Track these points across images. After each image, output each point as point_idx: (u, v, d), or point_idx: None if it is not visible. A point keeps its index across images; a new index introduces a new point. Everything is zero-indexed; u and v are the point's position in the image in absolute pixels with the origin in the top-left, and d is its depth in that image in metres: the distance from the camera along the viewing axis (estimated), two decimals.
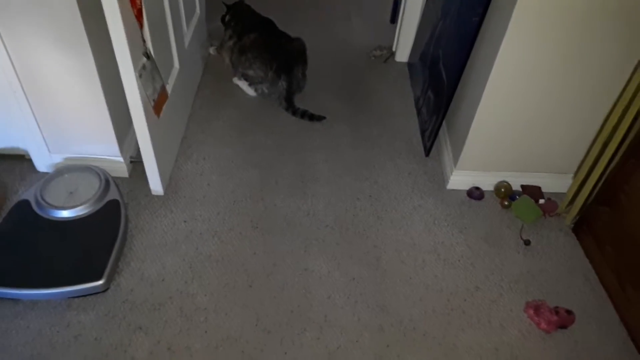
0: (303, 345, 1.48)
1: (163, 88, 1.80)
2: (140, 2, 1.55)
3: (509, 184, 1.96)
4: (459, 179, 1.98)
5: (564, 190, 1.97)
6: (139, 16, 1.54)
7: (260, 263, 1.69)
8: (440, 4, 2.21)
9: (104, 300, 1.53)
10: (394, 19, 2.82)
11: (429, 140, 2.10)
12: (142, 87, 1.58)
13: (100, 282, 1.50)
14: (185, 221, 1.79)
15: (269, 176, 2.00)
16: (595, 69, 1.64)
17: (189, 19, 2.28)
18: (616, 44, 1.58)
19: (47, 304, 1.50)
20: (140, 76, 1.56)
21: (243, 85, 2.42)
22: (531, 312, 1.57)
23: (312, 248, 1.75)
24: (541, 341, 1.53)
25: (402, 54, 2.70)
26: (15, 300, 1.50)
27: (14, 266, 1.52)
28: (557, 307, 1.58)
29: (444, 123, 2.16)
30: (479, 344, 1.52)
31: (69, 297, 1.52)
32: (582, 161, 1.91)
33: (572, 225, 1.88)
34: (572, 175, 1.97)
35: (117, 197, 1.73)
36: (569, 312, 1.57)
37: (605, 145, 1.75)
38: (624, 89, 1.67)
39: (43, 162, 1.91)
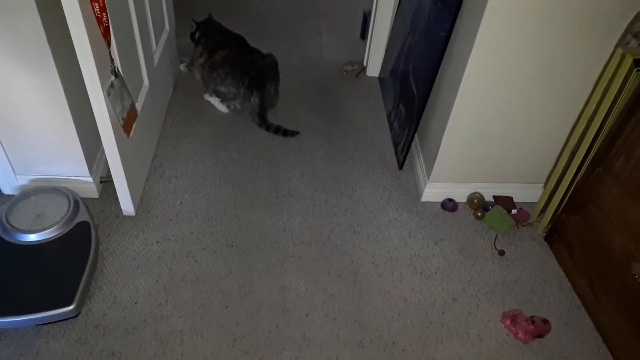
0: None
1: (132, 106, 1.77)
2: (107, 20, 1.52)
3: (481, 195, 1.98)
4: (433, 192, 2.00)
5: (535, 199, 2.01)
6: (106, 34, 1.51)
7: (236, 282, 1.66)
8: (408, 19, 2.25)
9: (75, 325, 1.48)
10: (363, 34, 2.85)
11: (402, 153, 2.12)
12: (111, 105, 1.55)
13: (71, 307, 1.44)
14: (157, 241, 1.75)
15: (243, 193, 1.98)
16: (561, 79, 1.69)
17: (158, 36, 2.26)
18: (580, 57, 1.63)
19: (14, 333, 1.44)
20: (108, 95, 1.53)
21: (215, 101, 2.41)
22: (508, 322, 1.59)
23: (288, 265, 1.73)
24: (519, 351, 1.55)
25: (373, 68, 2.73)
26: None
27: None
28: (533, 317, 1.60)
29: (416, 136, 2.18)
30: (458, 356, 1.52)
31: (37, 324, 1.46)
32: (552, 171, 1.95)
33: (545, 235, 1.92)
34: (542, 185, 2.02)
35: (87, 219, 1.69)
36: (545, 321, 1.59)
37: (572, 154, 1.79)
38: (588, 100, 1.72)
39: (8, 184, 1.85)
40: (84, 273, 1.53)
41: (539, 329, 1.56)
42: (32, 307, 1.44)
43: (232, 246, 1.77)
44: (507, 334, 1.58)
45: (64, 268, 1.55)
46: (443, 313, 1.63)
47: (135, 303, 1.56)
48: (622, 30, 1.57)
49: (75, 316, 1.49)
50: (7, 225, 1.61)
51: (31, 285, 1.49)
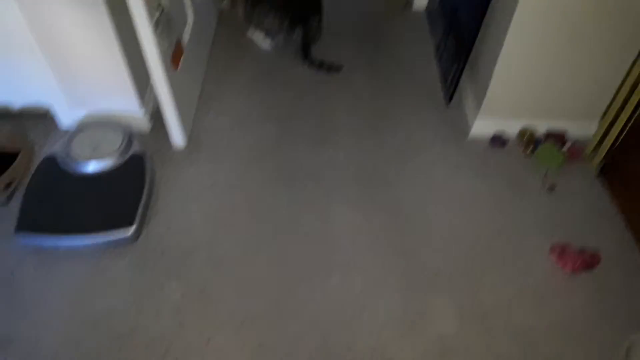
0: (328, 290, 1.51)
1: (179, 41, 1.78)
2: None
3: (533, 130, 1.93)
4: (482, 126, 1.96)
5: (588, 135, 1.94)
6: None
7: (283, 213, 1.70)
8: None
9: (135, 248, 1.57)
10: None
11: (451, 87, 2.07)
12: (158, 39, 1.56)
13: (131, 231, 1.53)
14: (207, 174, 1.81)
15: (288, 128, 2.00)
16: (625, 8, 1.58)
17: None
18: None
19: (82, 253, 1.55)
20: (155, 29, 1.55)
21: (258, 38, 2.39)
22: (556, 254, 1.58)
23: (334, 198, 1.76)
24: (566, 282, 1.55)
25: (420, 1, 2.62)
26: (52, 250, 1.55)
27: (49, 219, 1.56)
28: (582, 249, 1.58)
29: (465, 69, 2.11)
30: (504, 285, 1.54)
31: (102, 246, 1.56)
32: (609, 105, 1.87)
33: (598, 170, 1.86)
34: (598, 119, 1.94)
35: (140, 151, 1.75)
36: (594, 254, 1.57)
37: (633, 87, 1.71)
38: None
39: (65, 118, 1.92)
40: (141, 200, 1.61)
41: (588, 261, 1.55)
42: (95, 229, 1.54)
43: (279, 179, 1.81)
44: (555, 266, 1.58)
45: (122, 196, 1.63)
46: (489, 245, 1.63)
47: (189, 230, 1.63)
48: None
49: (135, 240, 1.58)
50: (67, 157, 1.69)
51: (93, 211, 1.58)
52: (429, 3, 2.60)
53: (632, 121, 1.72)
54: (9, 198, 1.68)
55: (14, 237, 1.53)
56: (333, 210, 1.72)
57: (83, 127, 1.81)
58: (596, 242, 1.64)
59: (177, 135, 1.84)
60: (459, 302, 1.49)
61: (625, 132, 1.76)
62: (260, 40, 2.39)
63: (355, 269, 1.56)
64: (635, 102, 1.69)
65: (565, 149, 1.90)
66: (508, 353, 1.39)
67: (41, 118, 1.94)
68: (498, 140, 1.94)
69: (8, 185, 1.67)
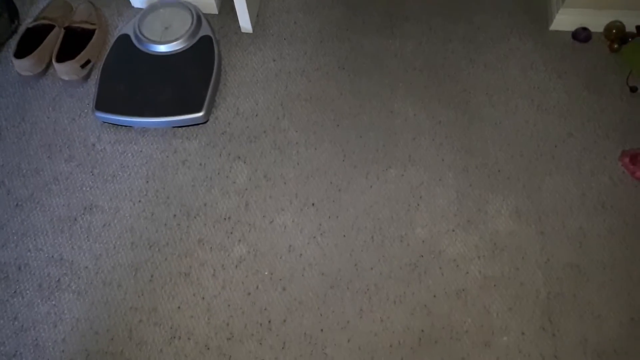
0: (387, 181, 1.55)
1: None
2: None
3: (622, 24, 1.76)
4: (565, 19, 1.81)
5: None
6: None
7: (347, 103, 1.71)
8: None
9: (205, 131, 1.65)
10: None
11: None
12: None
13: (201, 113, 1.61)
14: (274, 59, 1.81)
15: (356, 14, 1.93)
16: None
17: None
18: None
19: (155, 132, 1.65)
20: None
21: None
22: (627, 160, 1.53)
23: (399, 90, 1.74)
24: (633, 189, 1.51)
25: None
26: (128, 128, 1.66)
27: (125, 96, 1.65)
28: None
29: None
30: (565, 188, 1.52)
31: (173, 127, 1.65)
32: None
33: None
34: None
35: (210, 33, 1.76)
36: None
37: None
38: None
39: None
40: (210, 83, 1.66)
41: None
42: (167, 110, 1.62)
43: (343, 68, 1.79)
44: (623, 172, 1.54)
45: (192, 78, 1.68)
46: (556, 146, 1.60)
47: (256, 115, 1.69)
48: None
49: (205, 122, 1.66)
50: (140, 35, 1.74)
51: (165, 92, 1.65)
52: None
53: None
54: (87, 76, 1.77)
55: (93, 114, 1.64)
56: (397, 103, 1.71)
57: (154, 7, 1.83)
58: None
59: (245, 19, 1.83)
60: (517, 202, 1.50)
61: None
62: None
63: (414, 163, 1.58)
64: None
65: None
66: (561, 255, 1.42)
67: None
68: (581, 34, 1.80)
69: (86, 63, 1.75)
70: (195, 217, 1.49)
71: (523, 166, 1.57)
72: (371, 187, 1.55)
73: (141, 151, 1.61)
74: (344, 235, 1.46)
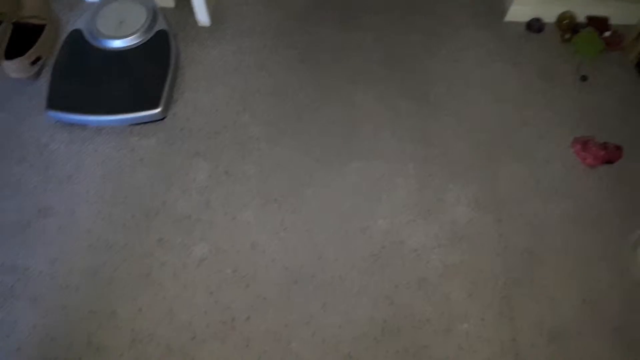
0: (349, 174, 1.56)
1: None
2: None
3: (573, 14, 1.81)
4: (519, 10, 1.84)
5: (634, 21, 1.82)
6: None
7: (308, 96, 1.71)
8: None
9: (163, 128, 1.62)
10: None
11: None
12: None
13: (158, 109, 1.57)
14: (233, 53, 1.79)
15: (317, 7, 1.92)
16: None
17: None
18: None
19: (110, 130, 1.61)
20: None
21: None
22: (578, 147, 1.58)
23: (359, 82, 1.74)
24: (584, 176, 1.56)
25: None
26: (82, 126, 1.61)
27: (78, 94, 1.60)
28: (605, 143, 1.57)
29: None
30: (521, 176, 1.56)
31: (130, 124, 1.61)
32: None
33: (636, 61, 1.77)
34: None
35: (166, 28, 1.72)
36: (617, 147, 1.56)
37: None
38: None
39: None
40: (167, 79, 1.62)
41: (610, 154, 1.55)
42: (124, 107, 1.58)
43: (304, 62, 1.78)
44: (575, 159, 1.59)
45: (148, 74, 1.64)
46: (512, 135, 1.63)
47: (216, 110, 1.66)
48: None
49: (162, 119, 1.62)
50: (94, 30, 1.68)
51: (121, 88, 1.61)
52: None
53: None
54: (38, 74, 1.71)
55: (45, 113, 1.58)
56: (358, 96, 1.71)
57: (108, 0, 1.77)
58: (622, 135, 1.63)
59: (202, 12, 1.80)
60: (476, 190, 1.54)
61: None
62: None
63: (375, 155, 1.59)
64: None
65: (605, 36, 1.80)
66: (518, 242, 1.46)
67: None
68: (535, 25, 1.84)
69: (36, 60, 1.69)
70: (154, 217, 1.46)
71: (481, 155, 1.60)
72: (333, 180, 1.55)
73: (97, 150, 1.57)
74: (307, 230, 1.46)
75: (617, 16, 1.83)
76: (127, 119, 1.59)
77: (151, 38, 1.70)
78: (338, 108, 1.68)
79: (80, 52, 1.67)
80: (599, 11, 1.83)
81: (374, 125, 1.65)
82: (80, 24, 1.73)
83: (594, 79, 1.74)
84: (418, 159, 1.59)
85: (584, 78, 1.73)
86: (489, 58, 1.80)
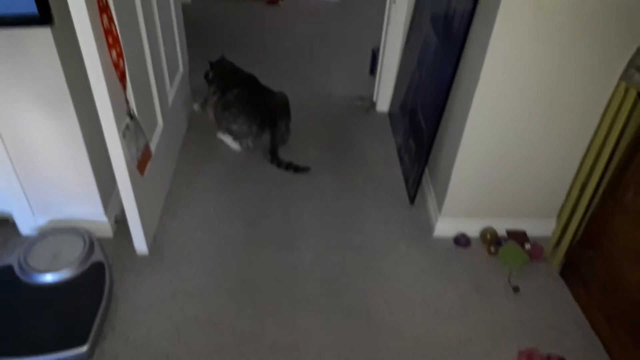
0: None
1: (147, 146, 1.81)
2: (124, 66, 1.58)
3: (494, 230, 1.97)
4: (445, 226, 1.99)
5: (549, 233, 1.99)
6: (122, 79, 1.57)
7: (248, 322, 1.65)
8: (416, 55, 2.29)
9: None
10: (372, 70, 2.90)
11: (413, 187, 2.13)
12: (126, 147, 1.59)
13: (84, 348, 1.46)
14: (170, 281, 1.77)
15: (254, 230, 2.00)
16: (566, 113, 1.70)
17: (172, 77, 2.33)
18: (584, 90, 1.65)
19: None
20: (124, 136, 1.58)
21: (227, 139, 2.45)
22: None
23: (300, 304, 1.72)
24: None
25: (383, 103, 2.76)
26: None
27: (1, 336, 1.48)
28: (549, 355, 1.56)
29: (426, 170, 2.19)
30: None
31: None
32: (564, 204, 1.94)
33: (560, 269, 1.89)
34: (555, 218, 2.00)
35: (102, 259, 1.71)
36: (561, 359, 1.55)
37: (583, 187, 1.78)
38: (596, 133, 1.73)
39: (27, 225, 1.88)
40: (98, 314, 1.55)
41: None
42: (46, 347, 1.45)
43: (243, 285, 1.78)
44: None
45: (78, 309, 1.57)
46: (458, 353, 1.60)
47: (148, 344, 1.56)
48: (624, 64, 1.58)
49: (89, 357, 1.49)
50: (24, 265, 1.64)
51: (46, 326, 1.51)
52: (391, 105, 2.74)
53: (585, 220, 1.78)
54: None
55: None
56: (299, 319, 1.67)
57: (43, 234, 1.77)
58: (563, 345, 1.63)
59: (140, 243, 1.82)
60: None
61: (580, 232, 1.81)
62: (230, 141, 2.45)
63: None
64: (586, 202, 1.76)
65: (527, 248, 1.93)
66: None
67: (2, 225, 1.90)
68: (461, 240, 1.97)
69: None
70: None
71: None
72: None
73: None
74: None
75: (533, 229, 2.00)
76: None
77: (85, 270, 1.67)
78: (279, 332, 1.63)
79: (7, 290, 1.61)
80: (517, 225, 2.00)
81: (317, 349, 1.59)
82: (11, 258, 1.69)
83: (525, 289, 1.81)
84: None
85: (516, 289, 1.80)
86: (424, 273, 1.86)
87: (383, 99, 2.75)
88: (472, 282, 1.83)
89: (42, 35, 1.44)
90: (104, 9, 1.41)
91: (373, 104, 2.80)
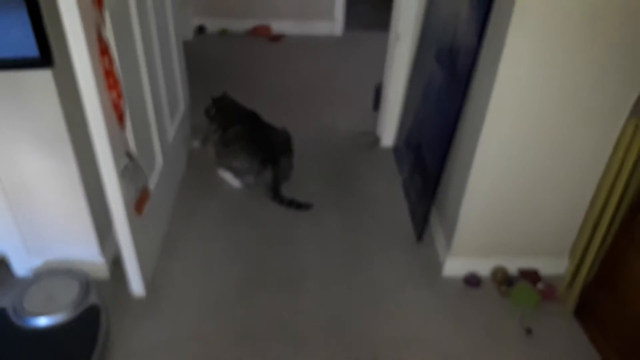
0: None
1: (145, 186, 1.78)
2: (124, 107, 1.56)
3: (505, 269, 1.90)
4: (454, 265, 1.92)
5: (561, 272, 1.92)
6: (121, 119, 1.54)
7: None
8: (421, 91, 2.27)
9: None
10: (376, 106, 2.89)
11: (420, 225, 2.07)
12: (124, 187, 1.55)
13: None
14: (167, 324, 1.70)
15: (256, 272, 1.93)
16: (575, 151, 1.66)
17: (172, 115, 2.31)
18: (594, 128, 1.61)
19: None
20: (122, 177, 1.54)
21: (228, 177, 2.41)
22: None
23: (304, 350, 1.64)
24: None
25: (387, 139, 2.73)
26: None
27: None
28: None
29: (433, 207, 2.13)
30: None
31: None
32: (575, 242, 1.87)
33: (574, 309, 1.81)
34: (567, 257, 1.93)
35: (97, 302, 1.65)
36: None
37: (595, 225, 1.72)
38: (607, 170, 1.68)
39: (22, 266, 1.83)
40: (92, 359, 1.48)
41: None
42: None
43: (244, 330, 1.70)
44: None
45: (72, 353, 1.51)
46: None
47: None
48: (633, 99, 1.56)
49: None
50: (19, 308, 1.59)
51: None
52: (395, 140, 2.71)
53: (598, 259, 1.72)
54: None
55: None
56: None
57: (38, 276, 1.72)
58: None
59: (136, 285, 1.76)
60: None
61: (594, 271, 1.74)
62: (231, 179, 2.41)
63: None
64: (598, 240, 1.69)
65: (539, 287, 1.86)
66: None
67: None
68: (472, 280, 1.90)
69: None
70: None
71: None
72: None
73: None
74: None
75: (545, 267, 1.93)
76: None
77: (80, 314, 1.61)
78: None
79: (1, 332, 1.54)
80: (528, 263, 1.93)
81: None
82: (5, 301, 1.63)
83: (538, 331, 1.73)
84: None
85: (528, 331, 1.72)
86: (433, 316, 1.78)
87: (388, 134, 2.72)
88: (484, 325, 1.75)
89: (42, 77, 1.43)
90: (105, 50, 1.40)
91: (377, 139, 2.77)
